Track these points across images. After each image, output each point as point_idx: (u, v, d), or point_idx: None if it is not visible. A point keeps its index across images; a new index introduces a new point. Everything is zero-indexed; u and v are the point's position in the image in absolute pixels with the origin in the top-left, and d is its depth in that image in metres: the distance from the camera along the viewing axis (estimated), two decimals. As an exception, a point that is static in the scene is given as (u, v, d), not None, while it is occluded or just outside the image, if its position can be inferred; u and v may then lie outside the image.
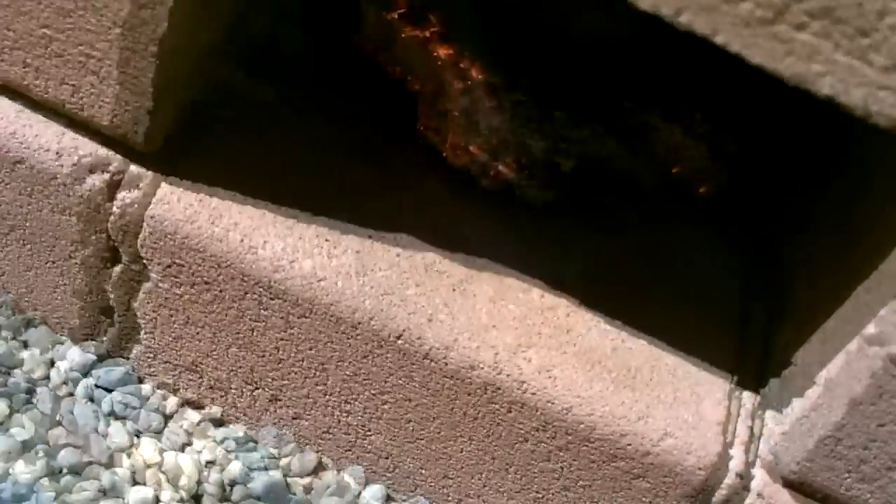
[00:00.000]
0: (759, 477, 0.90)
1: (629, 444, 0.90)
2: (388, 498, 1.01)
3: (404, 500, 1.00)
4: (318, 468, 1.00)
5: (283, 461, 1.00)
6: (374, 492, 1.00)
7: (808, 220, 1.07)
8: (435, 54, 0.97)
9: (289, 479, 0.99)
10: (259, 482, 0.97)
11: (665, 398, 0.91)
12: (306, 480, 1.00)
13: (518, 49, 0.98)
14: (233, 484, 0.97)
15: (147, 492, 0.94)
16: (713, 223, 1.06)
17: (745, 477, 0.90)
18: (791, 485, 0.89)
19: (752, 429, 0.92)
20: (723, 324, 0.99)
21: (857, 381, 0.81)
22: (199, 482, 0.97)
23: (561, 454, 0.92)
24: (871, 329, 0.80)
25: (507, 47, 0.98)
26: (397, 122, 1.01)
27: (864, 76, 0.70)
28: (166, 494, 0.95)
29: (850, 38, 0.69)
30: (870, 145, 0.94)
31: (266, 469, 0.99)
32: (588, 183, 0.99)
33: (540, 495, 0.96)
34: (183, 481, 0.96)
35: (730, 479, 0.90)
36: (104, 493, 0.93)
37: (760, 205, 1.11)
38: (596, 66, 1.01)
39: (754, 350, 0.98)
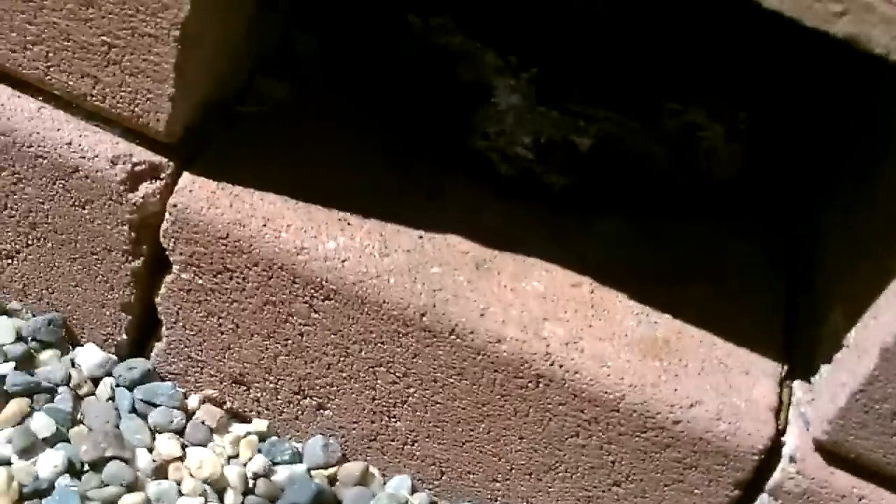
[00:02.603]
0: (811, 460, 0.91)
1: (682, 432, 0.90)
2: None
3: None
4: (366, 477, 1.01)
5: (330, 471, 1.01)
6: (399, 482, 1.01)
7: (845, 199, 1.07)
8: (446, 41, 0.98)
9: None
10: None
11: (716, 385, 0.91)
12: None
13: (533, 31, 1.00)
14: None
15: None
16: (734, 206, 1.07)
17: (797, 460, 0.90)
18: (837, 459, 0.90)
19: (804, 414, 0.92)
20: (766, 310, 0.99)
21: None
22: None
23: (613, 447, 0.93)
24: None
25: (521, 30, 1.00)
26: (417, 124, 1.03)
27: (882, 13, 0.71)
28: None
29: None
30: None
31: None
32: (605, 166, 1.00)
33: (590, 493, 0.96)
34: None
35: (783, 464, 0.91)
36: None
37: (784, 186, 1.12)
38: (609, 47, 1.02)
39: (803, 337, 0.98)
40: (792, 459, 0.90)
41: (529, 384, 0.91)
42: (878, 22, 0.73)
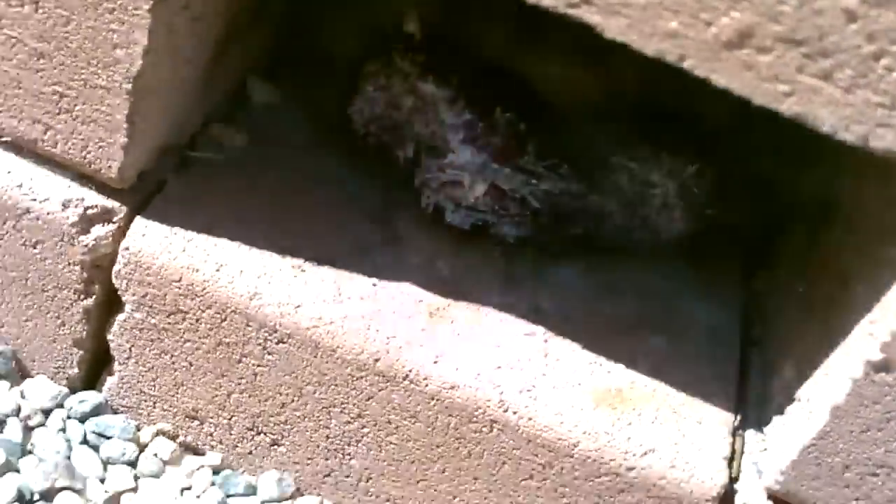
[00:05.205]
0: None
1: (636, 478, 0.91)
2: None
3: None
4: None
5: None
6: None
7: (798, 257, 1.08)
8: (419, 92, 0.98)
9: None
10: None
11: (670, 433, 0.92)
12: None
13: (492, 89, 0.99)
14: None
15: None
16: (689, 260, 1.07)
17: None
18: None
19: (756, 464, 0.93)
20: (720, 362, 1.00)
21: (864, 407, 0.83)
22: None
23: (567, 490, 0.93)
24: (876, 356, 0.81)
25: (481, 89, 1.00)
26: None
27: (829, 95, 0.72)
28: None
29: (812, 60, 0.71)
30: (863, 177, 0.96)
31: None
32: (560, 219, 1.01)
33: (546, 532, 0.97)
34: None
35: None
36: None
37: (740, 241, 1.13)
38: (566, 106, 1.02)
39: (756, 388, 0.99)
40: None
41: (483, 429, 0.92)
42: (825, 103, 0.73)
